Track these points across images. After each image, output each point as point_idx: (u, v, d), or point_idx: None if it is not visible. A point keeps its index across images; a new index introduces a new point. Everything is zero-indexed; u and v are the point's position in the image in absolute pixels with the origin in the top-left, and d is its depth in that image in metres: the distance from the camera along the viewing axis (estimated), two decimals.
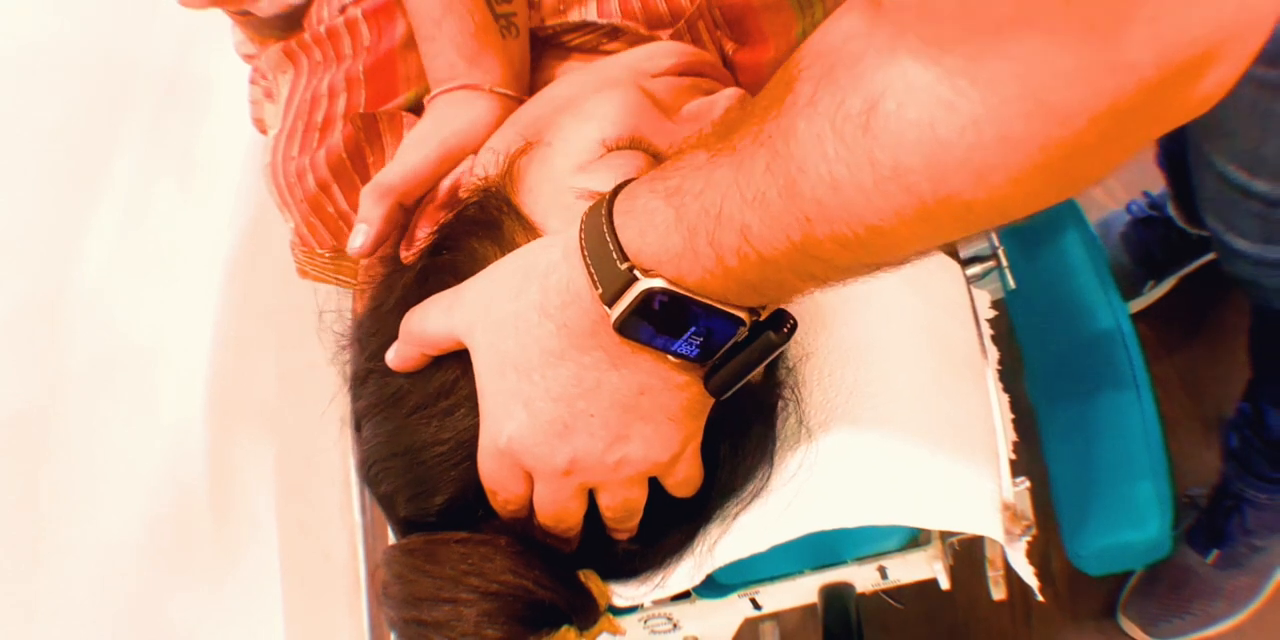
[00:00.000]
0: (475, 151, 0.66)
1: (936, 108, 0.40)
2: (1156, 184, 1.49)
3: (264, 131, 0.85)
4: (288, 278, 0.78)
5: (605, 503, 0.60)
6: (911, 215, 0.44)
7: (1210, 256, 1.50)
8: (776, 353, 0.56)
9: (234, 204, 1.13)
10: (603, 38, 0.72)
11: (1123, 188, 1.58)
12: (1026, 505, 0.66)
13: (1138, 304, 1.52)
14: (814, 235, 0.46)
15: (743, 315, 0.53)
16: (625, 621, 0.76)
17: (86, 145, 0.99)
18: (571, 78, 0.69)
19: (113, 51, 1.05)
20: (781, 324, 0.54)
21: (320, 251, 0.73)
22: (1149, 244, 1.51)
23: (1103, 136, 0.40)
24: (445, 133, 0.66)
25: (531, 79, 0.72)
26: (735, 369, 0.56)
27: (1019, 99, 0.39)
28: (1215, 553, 1.32)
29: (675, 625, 0.78)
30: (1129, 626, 1.34)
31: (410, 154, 0.66)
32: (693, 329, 0.53)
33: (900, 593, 1.25)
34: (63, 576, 0.82)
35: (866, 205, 0.44)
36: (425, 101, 0.69)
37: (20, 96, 0.93)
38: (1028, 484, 0.66)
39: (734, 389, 0.57)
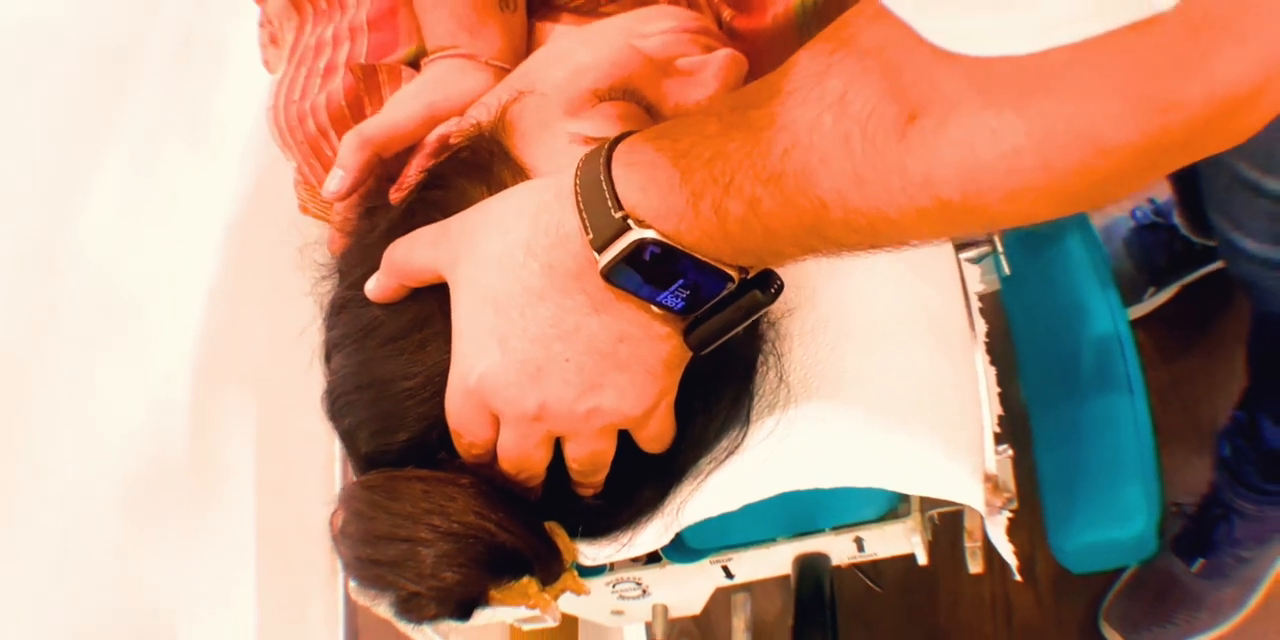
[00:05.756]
0: (461, 115, 0.66)
1: (979, 132, 0.41)
2: (1162, 191, 1.47)
3: (272, 72, 0.85)
4: (286, 242, 0.78)
5: (572, 454, 0.59)
6: (934, 216, 0.44)
7: (1212, 266, 1.49)
8: (761, 312, 0.56)
9: (241, 164, 1.12)
10: None
11: None
12: (1008, 476, 0.64)
13: (1138, 310, 1.51)
14: (827, 218, 0.47)
15: (732, 272, 0.53)
16: (592, 583, 0.75)
17: (98, 98, 0.98)
18: (567, 37, 0.69)
19: (129, 7, 1.04)
20: (769, 284, 0.55)
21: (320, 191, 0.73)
22: (1152, 250, 1.50)
23: (1141, 166, 0.41)
24: (437, 95, 0.66)
25: (528, 41, 0.72)
26: (718, 325, 0.55)
27: (1065, 134, 0.40)
28: (1201, 562, 1.30)
29: (645, 591, 0.76)
30: (1110, 633, 1.32)
31: (397, 108, 0.66)
32: (680, 282, 0.53)
33: (881, 587, 1.24)
34: (32, 525, 0.80)
35: (889, 202, 0.45)
36: (422, 63, 0.70)
37: (36, 49, 0.92)
38: (1010, 452, 0.64)
39: (714, 345, 0.56)
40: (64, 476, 0.84)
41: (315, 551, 1.09)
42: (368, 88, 0.70)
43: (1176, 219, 1.47)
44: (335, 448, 1.11)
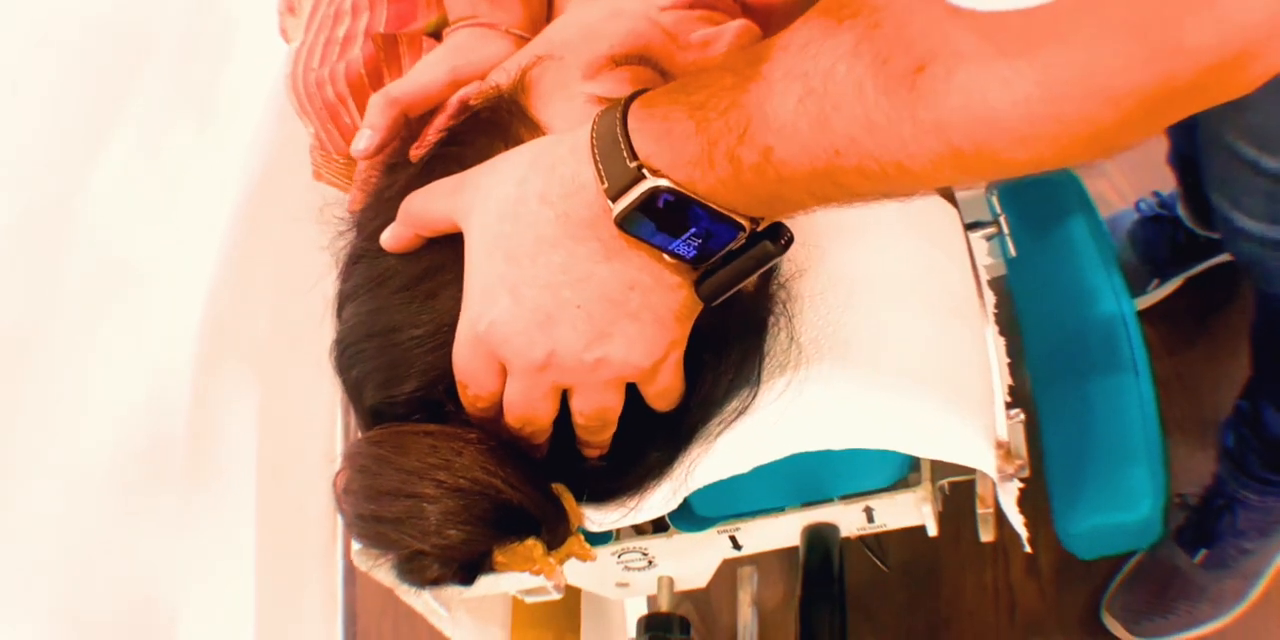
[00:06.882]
0: (482, 80, 0.67)
1: (990, 81, 0.42)
2: (1166, 183, 1.47)
3: (289, 41, 0.86)
4: (293, 226, 0.78)
5: (578, 407, 0.59)
6: (946, 163, 0.45)
7: (1216, 259, 1.49)
8: (771, 263, 0.56)
9: (250, 143, 1.12)
10: None
11: (1132, 186, 1.57)
12: (1020, 443, 0.64)
13: (1141, 302, 1.50)
14: (840, 166, 0.48)
15: (744, 222, 0.53)
16: (598, 552, 0.74)
17: (107, 75, 0.98)
18: (584, 6, 0.70)
19: None
20: (779, 236, 0.55)
21: (336, 157, 0.75)
22: (1156, 243, 1.49)
23: (1150, 113, 0.41)
24: (459, 60, 0.68)
25: (548, 10, 0.74)
26: (729, 275, 0.56)
27: (1076, 82, 0.40)
28: (1203, 552, 1.30)
29: (651, 562, 0.75)
30: (1112, 623, 1.31)
31: (423, 72, 0.68)
32: (693, 230, 0.53)
33: (888, 566, 1.22)
34: (29, 502, 0.80)
35: (901, 149, 0.45)
36: (444, 33, 0.71)
37: (44, 25, 0.92)
38: (1022, 417, 0.64)
39: (725, 296, 0.56)
40: (62, 453, 0.83)
41: (315, 529, 1.08)
42: (387, 57, 0.72)
43: (1181, 211, 1.47)
44: (338, 429, 1.10)
